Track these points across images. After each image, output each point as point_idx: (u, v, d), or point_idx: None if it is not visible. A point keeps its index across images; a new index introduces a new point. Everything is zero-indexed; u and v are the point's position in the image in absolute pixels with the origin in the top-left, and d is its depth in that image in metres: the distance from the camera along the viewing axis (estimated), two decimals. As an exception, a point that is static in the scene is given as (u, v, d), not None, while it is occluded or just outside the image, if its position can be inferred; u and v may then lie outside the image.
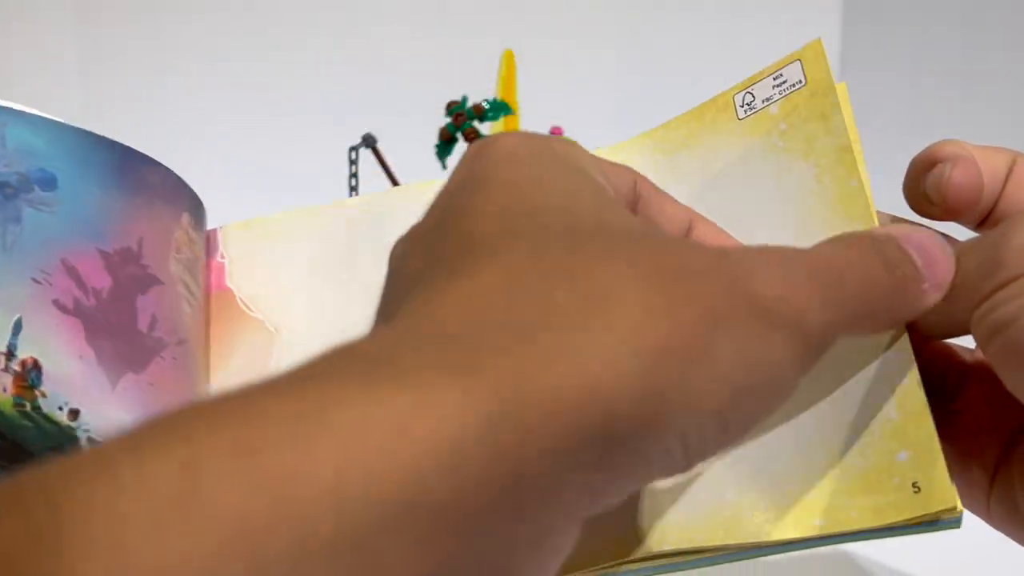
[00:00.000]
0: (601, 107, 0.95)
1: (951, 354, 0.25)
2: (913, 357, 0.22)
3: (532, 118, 0.63)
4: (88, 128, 1.01)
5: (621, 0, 1.01)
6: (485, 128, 0.59)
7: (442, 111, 0.59)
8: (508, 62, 0.63)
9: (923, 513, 0.20)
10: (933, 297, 0.21)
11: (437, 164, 0.59)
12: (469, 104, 0.58)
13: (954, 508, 0.20)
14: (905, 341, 0.22)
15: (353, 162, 0.58)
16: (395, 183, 0.59)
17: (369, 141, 0.57)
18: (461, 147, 0.59)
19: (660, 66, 1.01)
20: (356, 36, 0.94)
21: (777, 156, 0.25)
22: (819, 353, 0.18)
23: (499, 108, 0.59)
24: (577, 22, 0.99)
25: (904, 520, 0.20)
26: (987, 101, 0.84)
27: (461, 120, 0.58)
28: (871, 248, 0.20)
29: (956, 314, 0.21)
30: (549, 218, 0.17)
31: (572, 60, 0.97)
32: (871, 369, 0.22)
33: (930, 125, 0.92)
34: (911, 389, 0.21)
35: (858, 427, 0.21)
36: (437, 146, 0.59)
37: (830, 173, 0.24)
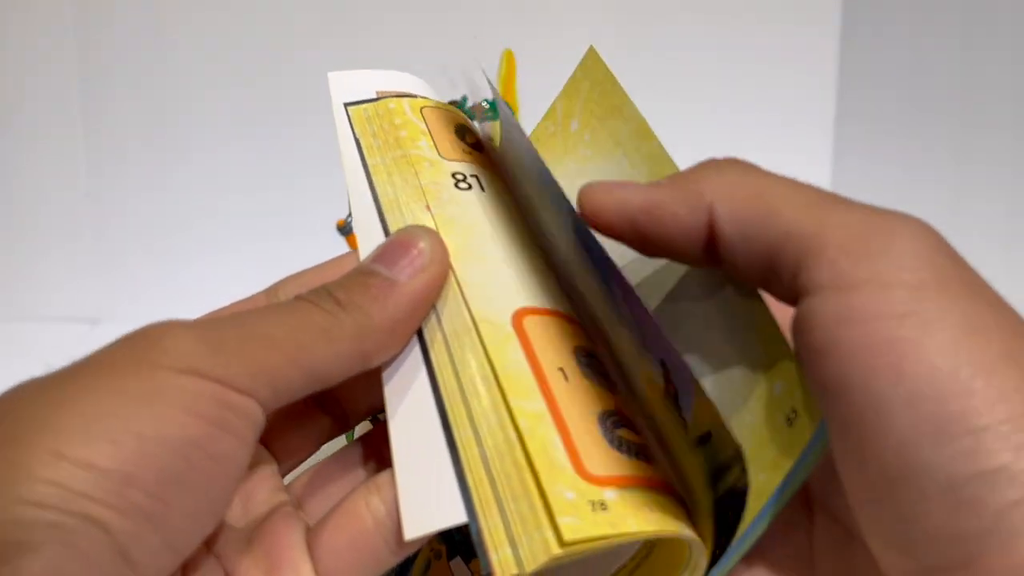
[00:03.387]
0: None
1: None
2: (757, 293, 0.21)
3: (532, 118, 0.63)
4: (88, 129, 1.01)
5: (621, 1, 1.01)
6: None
7: (442, 111, 0.59)
8: (508, 62, 0.63)
9: (805, 443, 0.18)
10: (420, 280, 0.21)
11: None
12: (469, 104, 0.58)
13: (821, 419, 0.18)
14: (748, 287, 0.21)
15: (353, 162, 0.58)
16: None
17: (369, 141, 0.57)
18: (461, 147, 0.59)
19: (659, 65, 1.01)
20: (356, 36, 0.94)
21: (592, 164, 0.25)
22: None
23: (499, 108, 0.59)
24: (577, 22, 0.99)
25: (796, 461, 0.18)
26: (987, 101, 0.84)
27: (461, 120, 0.58)
28: (324, 301, 0.20)
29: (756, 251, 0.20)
30: None
31: (572, 60, 0.97)
32: (731, 323, 0.21)
33: (930, 125, 0.92)
34: (765, 320, 0.20)
35: (751, 382, 0.20)
36: (437, 146, 0.59)
37: (639, 152, 0.24)
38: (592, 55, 0.26)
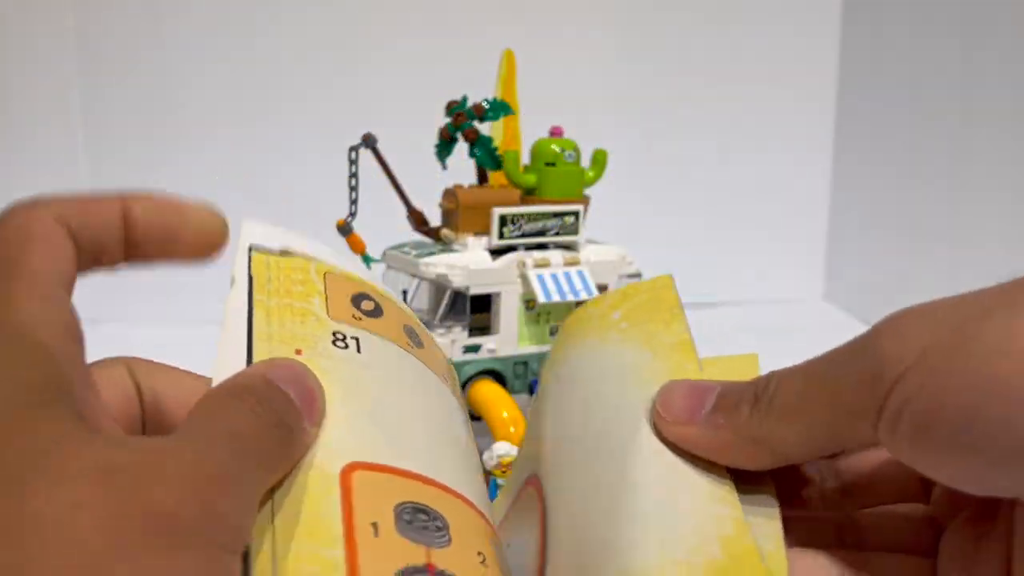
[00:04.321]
0: (601, 107, 0.95)
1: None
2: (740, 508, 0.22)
3: (532, 118, 0.63)
4: (88, 132, 1.01)
5: (621, 1, 1.01)
6: (485, 128, 0.59)
7: (442, 111, 0.59)
8: (508, 62, 0.63)
9: None
10: (312, 434, 0.21)
11: (437, 164, 0.59)
12: (469, 104, 0.58)
13: None
14: (730, 493, 0.22)
15: (353, 162, 0.58)
16: (395, 183, 0.59)
17: (369, 141, 0.57)
18: (461, 147, 0.59)
19: (660, 66, 1.01)
20: (356, 36, 0.94)
21: (617, 346, 0.26)
22: None
23: (499, 108, 0.59)
24: (576, 22, 0.99)
25: None
26: (987, 101, 0.84)
27: (461, 120, 0.58)
28: (256, 400, 0.20)
29: (839, 434, 0.21)
30: None
31: (572, 60, 0.97)
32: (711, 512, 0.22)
33: (930, 125, 0.92)
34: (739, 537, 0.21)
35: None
36: (437, 146, 0.59)
37: (667, 358, 0.25)
38: (666, 281, 0.27)
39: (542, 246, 0.59)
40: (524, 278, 0.57)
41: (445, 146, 0.59)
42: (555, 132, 0.60)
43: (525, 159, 0.61)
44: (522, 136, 0.63)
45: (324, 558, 0.19)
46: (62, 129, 0.91)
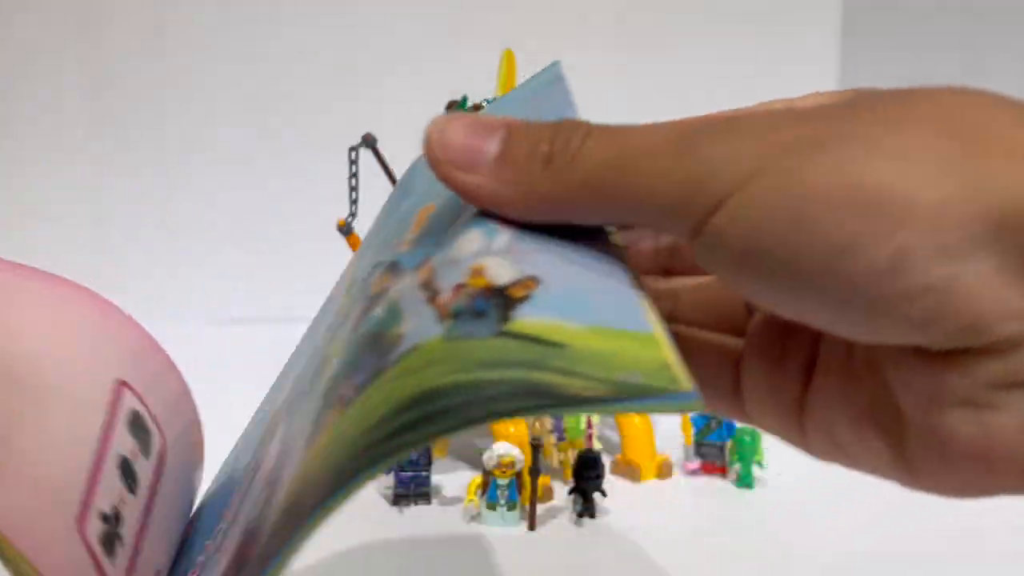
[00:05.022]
0: (601, 106, 0.95)
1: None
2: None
3: (532, 118, 0.63)
4: (89, 134, 1.00)
5: (621, 1, 1.01)
6: (485, 128, 0.59)
7: (442, 111, 0.59)
8: (508, 62, 0.63)
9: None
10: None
11: (437, 164, 0.59)
12: (469, 104, 0.58)
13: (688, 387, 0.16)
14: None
15: (353, 162, 0.58)
16: (395, 183, 0.59)
17: (369, 141, 0.57)
18: (461, 147, 0.59)
19: (660, 65, 1.01)
20: (357, 36, 0.94)
21: None
22: None
23: (499, 108, 0.59)
24: (577, 22, 0.99)
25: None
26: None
27: (461, 120, 0.58)
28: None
29: (643, 224, 0.20)
30: None
31: (572, 60, 0.97)
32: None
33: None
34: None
35: None
36: (437, 146, 0.59)
37: None
38: None
39: (542, 246, 0.59)
40: (524, 278, 0.57)
41: (445, 146, 0.59)
42: (555, 132, 0.60)
43: (525, 159, 0.60)
44: (522, 136, 0.63)
45: None
46: (62, 129, 0.91)
